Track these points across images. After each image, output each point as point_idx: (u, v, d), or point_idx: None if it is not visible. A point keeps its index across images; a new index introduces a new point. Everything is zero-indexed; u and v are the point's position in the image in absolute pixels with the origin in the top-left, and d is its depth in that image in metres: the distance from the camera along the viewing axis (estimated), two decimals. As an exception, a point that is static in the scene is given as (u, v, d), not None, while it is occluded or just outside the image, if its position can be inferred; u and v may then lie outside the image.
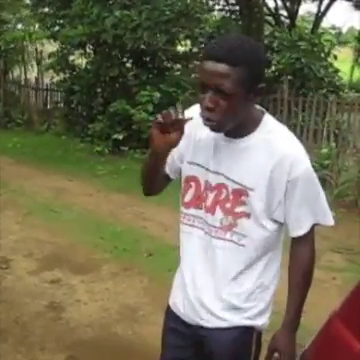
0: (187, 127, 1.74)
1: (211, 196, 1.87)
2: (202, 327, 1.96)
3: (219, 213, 1.85)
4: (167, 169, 2.01)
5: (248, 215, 1.82)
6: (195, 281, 1.95)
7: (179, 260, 2.06)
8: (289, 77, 9.61)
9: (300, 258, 1.90)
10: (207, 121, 1.74)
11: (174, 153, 1.91)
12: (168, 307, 2.12)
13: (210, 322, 1.94)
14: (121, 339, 3.83)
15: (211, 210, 1.87)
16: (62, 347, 3.70)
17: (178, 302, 2.04)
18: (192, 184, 1.93)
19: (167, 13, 9.73)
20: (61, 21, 10.77)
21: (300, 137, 8.60)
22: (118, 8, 9.84)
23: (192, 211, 1.94)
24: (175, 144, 1.75)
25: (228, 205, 1.83)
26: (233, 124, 1.75)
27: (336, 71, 10.07)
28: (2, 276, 4.80)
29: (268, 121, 1.84)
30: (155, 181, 2.03)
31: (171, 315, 2.09)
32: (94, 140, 10.30)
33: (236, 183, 1.81)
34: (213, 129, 1.77)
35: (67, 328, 3.96)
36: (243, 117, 1.76)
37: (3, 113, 12.85)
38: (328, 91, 9.56)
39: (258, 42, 1.64)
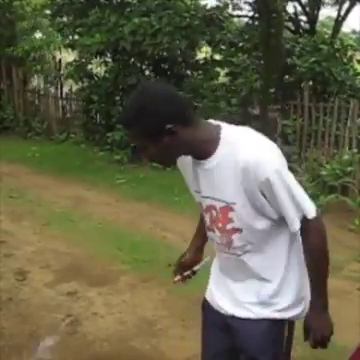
0: (180, 160, 2.04)
1: (207, 217, 2.05)
2: (234, 317, 2.10)
3: (217, 231, 2.03)
4: None
5: (239, 230, 1.96)
6: (227, 280, 2.15)
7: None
8: (310, 83, 9.48)
9: (308, 245, 1.97)
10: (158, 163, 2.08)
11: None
12: (204, 300, 2.29)
13: (241, 313, 2.08)
14: (139, 353, 3.73)
15: (212, 229, 2.06)
16: (78, 362, 3.62)
17: (214, 293, 2.21)
18: (200, 208, 2.11)
19: (188, 19, 9.67)
20: (79, 30, 10.74)
21: (321, 143, 8.46)
22: (136, 15, 9.80)
23: (207, 232, 2.15)
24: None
25: (220, 224, 2.00)
26: (175, 157, 1.98)
27: (357, 74, 9.90)
28: (18, 288, 4.74)
29: (227, 135, 1.91)
30: None
31: (207, 306, 2.26)
32: (113, 148, 10.24)
33: (221, 201, 1.94)
34: (164, 166, 2.12)
35: (83, 342, 3.87)
36: (185, 148, 1.90)
37: (23, 122, 12.88)
38: (349, 96, 9.39)
39: (170, 93, 1.90)
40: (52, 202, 7.45)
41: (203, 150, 1.92)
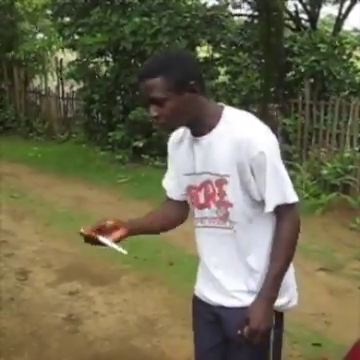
0: (169, 154, 2.22)
1: (201, 194, 2.10)
2: (222, 307, 2.11)
3: (213, 206, 2.07)
4: (174, 198, 2.27)
5: (231, 204, 2.02)
6: (213, 270, 2.14)
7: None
8: (311, 81, 9.46)
9: (278, 231, 2.02)
10: (159, 126, 2.02)
11: (172, 184, 2.24)
12: (194, 296, 2.30)
13: (229, 302, 2.10)
14: (139, 353, 3.73)
15: (207, 205, 2.09)
16: (79, 361, 3.63)
17: (202, 287, 2.23)
18: (190, 192, 2.16)
19: (188, 19, 9.67)
20: (80, 30, 10.74)
21: (322, 141, 8.45)
22: (137, 15, 9.80)
23: (196, 214, 2.16)
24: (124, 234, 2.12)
25: (217, 198, 2.05)
26: (182, 121, 2.01)
27: (357, 71, 9.87)
28: (20, 288, 4.75)
29: (227, 113, 2.02)
30: (165, 227, 2.35)
31: (197, 301, 2.27)
32: (114, 148, 10.26)
33: (215, 175, 2.02)
34: (168, 131, 2.10)
35: (84, 341, 3.88)
36: (194, 114, 1.99)
37: (24, 122, 12.91)
38: (351, 93, 9.38)
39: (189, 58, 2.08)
40: (53, 202, 7.47)
41: (205, 124, 2.01)
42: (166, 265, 5.23)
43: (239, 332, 1.97)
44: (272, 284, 1.99)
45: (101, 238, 2.05)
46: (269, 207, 1.98)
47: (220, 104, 2.08)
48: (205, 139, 2.03)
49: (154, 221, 2.31)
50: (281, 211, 1.99)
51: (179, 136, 2.15)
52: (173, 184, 2.25)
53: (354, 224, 6.40)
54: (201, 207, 2.12)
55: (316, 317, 4.22)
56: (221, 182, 2.01)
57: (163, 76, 1.91)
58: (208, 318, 2.20)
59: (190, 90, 1.94)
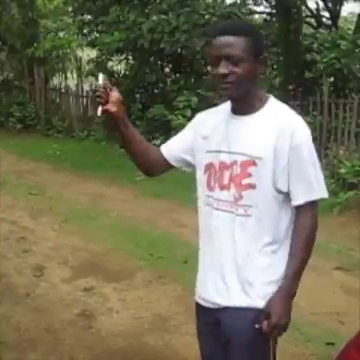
0: (193, 125, 2.22)
1: (227, 174, 2.05)
2: (223, 307, 2.07)
3: (232, 189, 2.03)
4: (165, 153, 2.26)
5: (253, 186, 2.00)
6: (214, 260, 2.12)
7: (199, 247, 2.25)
8: (331, 79, 9.39)
9: (299, 226, 2.01)
10: (225, 89, 1.98)
11: (177, 143, 2.25)
12: (196, 302, 2.28)
13: (228, 300, 2.06)
14: (152, 350, 3.75)
15: (227, 187, 2.05)
16: (92, 357, 3.65)
17: (201, 290, 2.21)
18: (209, 170, 2.11)
19: (206, 17, 9.67)
20: (99, 28, 10.80)
21: (341, 140, 8.37)
22: (155, 13, 9.82)
23: (211, 193, 2.10)
24: (116, 114, 2.06)
25: (238, 180, 2.02)
26: (245, 92, 2.00)
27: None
28: (36, 284, 4.80)
29: (274, 101, 2.09)
30: (142, 159, 2.27)
31: (198, 306, 2.26)
32: (133, 146, 10.26)
33: (245, 155, 2.00)
34: (231, 95, 2.01)
35: (98, 337, 3.90)
36: (251, 88, 2.01)
37: (44, 120, 13.00)
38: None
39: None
40: (71, 199, 7.52)
41: (252, 103, 2.05)
42: (180, 263, 5.22)
43: (257, 326, 1.97)
44: (292, 280, 2.00)
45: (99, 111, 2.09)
46: (298, 200, 2.00)
47: (267, 94, 2.14)
48: (249, 118, 2.05)
49: (145, 146, 2.26)
50: (305, 206, 2.00)
51: (214, 111, 2.19)
52: (175, 149, 2.24)
53: (372, 223, 6.34)
54: (222, 188, 2.06)
55: (330, 316, 4.18)
56: (248, 163, 2.00)
57: (248, 37, 1.96)
58: (209, 321, 2.18)
59: (261, 62, 2.02)
